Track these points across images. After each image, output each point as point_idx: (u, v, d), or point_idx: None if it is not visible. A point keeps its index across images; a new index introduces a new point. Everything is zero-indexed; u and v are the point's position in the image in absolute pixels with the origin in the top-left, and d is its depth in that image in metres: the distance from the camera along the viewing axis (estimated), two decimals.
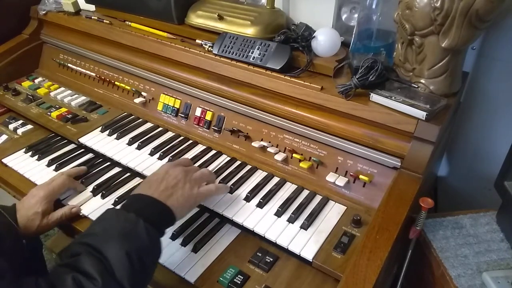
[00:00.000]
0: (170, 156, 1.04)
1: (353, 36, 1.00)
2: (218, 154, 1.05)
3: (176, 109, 1.16)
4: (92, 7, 1.37)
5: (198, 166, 1.00)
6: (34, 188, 0.92)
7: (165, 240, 0.87)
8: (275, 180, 0.97)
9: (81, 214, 0.93)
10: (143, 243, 0.68)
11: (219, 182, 0.95)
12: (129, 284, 0.64)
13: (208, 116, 1.10)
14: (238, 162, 1.02)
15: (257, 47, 1.03)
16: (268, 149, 1.00)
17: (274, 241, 0.82)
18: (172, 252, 0.84)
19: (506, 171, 0.83)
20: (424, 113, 0.81)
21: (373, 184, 0.89)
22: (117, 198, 0.96)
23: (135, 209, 0.72)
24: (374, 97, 0.88)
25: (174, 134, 1.14)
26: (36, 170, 1.06)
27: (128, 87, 1.24)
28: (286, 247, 0.81)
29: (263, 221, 0.86)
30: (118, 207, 0.75)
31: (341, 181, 0.90)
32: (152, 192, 0.77)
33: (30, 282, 0.60)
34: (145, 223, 0.70)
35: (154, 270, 0.72)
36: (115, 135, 1.13)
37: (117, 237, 0.67)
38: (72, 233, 0.96)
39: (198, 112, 1.12)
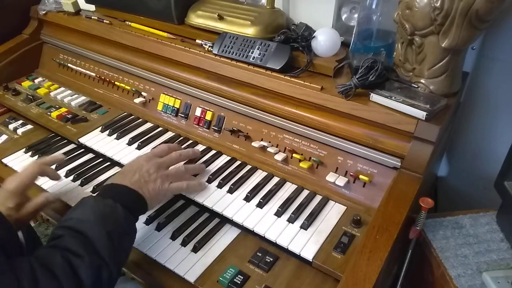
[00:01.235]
0: None
1: (353, 36, 1.00)
2: (218, 154, 1.05)
3: (176, 109, 1.16)
4: (92, 7, 1.37)
5: (194, 164, 1.00)
6: (5, 181, 0.87)
7: (165, 240, 0.87)
8: (275, 180, 0.97)
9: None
10: (121, 225, 0.73)
11: (219, 182, 0.95)
12: (111, 260, 0.68)
13: (208, 116, 1.10)
14: (238, 162, 1.02)
15: (257, 47, 1.03)
16: (268, 149, 1.00)
17: (274, 241, 0.82)
18: (172, 252, 0.84)
19: (506, 171, 0.83)
20: (424, 113, 0.81)
21: (373, 184, 0.89)
22: None
23: (112, 196, 0.77)
24: (374, 97, 0.88)
25: (174, 134, 1.14)
26: None
27: (128, 87, 1.24)
28: (286, 247, 0.81)
29: (263, 221, 0.86)
30: (93, 195, 0.79)
31: (341, 181, 0.90)
32: (126, 182, 0.81)
33: (23, 263, 0.62)
34: (123, 208, 0.75)
35: (130, 252, 0.77)
36: (115, 135, 1.13)
37: (97, 219, 0.71)
38: None
39: (198, 112, 1.12)
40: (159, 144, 1.08)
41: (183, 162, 0.98)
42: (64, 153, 1.12)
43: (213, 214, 0.92)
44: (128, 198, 0.79)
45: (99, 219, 0.71)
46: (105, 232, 0.69)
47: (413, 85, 0.91)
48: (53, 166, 1.02)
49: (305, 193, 0.93)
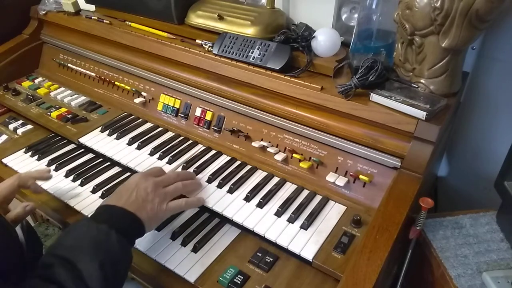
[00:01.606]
0: (170, 156, 1.04)
1: (353, 36, 1.00)
2: (218, 154, 1.05)
3: (176, 109, 1.16)
4: (92, 7, 1.37)
5: (197, 166, 1.00)
6: None
7: (165, 240, 0.87)
8: (275, 180, 0.97)
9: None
10: (115, 254, 0.69)
11: (219, 182, 0.95)
12: None
13: (208, 116, 1.10)
14: (238, 162, 1.02)
15: (257, 47, 1.03)
16: (268, 149, 1.00)
17: (274, 241, 0.82)
18: (172, 252, 0.84)
19: (506, 171, 0.83)
20: (424, 113, 0.81)
21: (373, 184, 0.89)
22: None
23: (106, 220, 0.72)
24: (374, 97, 0.88)
25: (174, 134, 1.14)
26: None
27: (128, 87, 1.24)
28: (286, 247, 0.81)
29: (263, 221, 0.86)
30: (88, 217, 0.75)
31: (341, 181, 0.90)
32: (123, 203, 0.77)
33: None
34: (117, 234, 0.70)
35: (126, 277, 0.73)
36: (115, 135, 1.13)
37: (89, 248, 0.67)
38: None
39: (198, 112, 1.12)
40: (159, 144, 1.08)
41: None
42: (64, 153, 1.12)
43: (213, 214, 0.92)
44: (124, 222, 0.75)
45: (91, 248, 0.67)
46: (97, 262, 0.65)
47: (413, 85, 0.91)
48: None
49: (305, 193, 0.93)
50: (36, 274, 0.65)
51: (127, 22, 1.28)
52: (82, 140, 1.12)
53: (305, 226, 0.84)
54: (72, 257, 0.65)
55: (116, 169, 1.07)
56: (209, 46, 1.10)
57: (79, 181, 1.01)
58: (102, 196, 0.97)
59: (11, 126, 1.23)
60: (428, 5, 0.80)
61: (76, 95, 1.31)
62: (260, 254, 0.83)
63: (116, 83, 1.27)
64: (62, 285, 0.62)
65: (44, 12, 1.40)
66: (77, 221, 0.74)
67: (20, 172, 1.06)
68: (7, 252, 0.69)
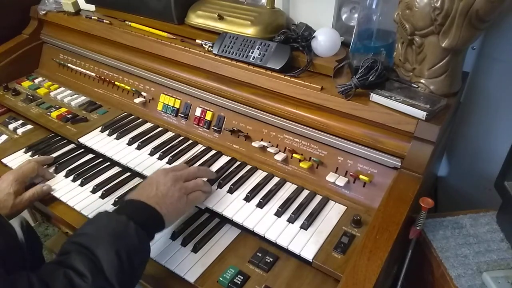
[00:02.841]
0: (170, 156, 1.04)
1: (353, 36, 1.00)
2: (218, 154, 1.05)
3: (176, 109, 1.16)
4: (92, 7, 1.37)
5: (198, 165, 1.00)
6: (4, 174, 0.97)
7: (165, 240, 0.87)
8: (275, 180, 0.97)
9: (57, 197, 0.98)
10: (132, 244, 0.70)
11: (219, 182, 0.95)
12: (117, 282, 0.65)
13: (208, 116, 1.10)
14: (238, 162, 1.02)
15: (257, 47, 1.03)
16: (268, 149, 1.00)
17: (274, 241, 0.82)
18: (172, 252, 0.84)
19: (506, 171, 0.83)
20: (424, 113, 0.81)
21: (373, 184, 0.89)
22: (116, 198, 0.96)
23: (126, 212, 0.74)
24: (374, 97, 0.88)
25: (174, 134, 1.14)
26: None
27: (128, 87, 1.24)
28: (286, 247, 0.81)
29: (263, 221, 0.86)
30: (110, 210, 0.77)
31: (341, 181, 0.90)
32: (144, 198, 0.79)
33: (22, 278, 0.61)
34: (135, 225, 0.72)
35: (143, 271, 0.74)
36: (115, 135, 1.13)
37: (107, 237, 0.69)
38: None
39: (198, 112, 1.12)
40: (159, 144, 1.08)
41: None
42: (64, 153, 1.12)
43: (213, 214, 0.92)
44: (143, 214, 0.77)
45: (109, 237, 0.69)
46: (114, 251, 0.67)
47: (413, 85, 0.91)
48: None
49: (305, 193, 0.93)
50: (53, 260, 0.68)
51: (127, 22, 1.28)
52: (82, 140, 1.12)
53: (305, 226, 0.84)
54: (90, 244, 0.67)
55: (116, 169, 1.07)
56: (209, 46, 1.10)
57: (79, 181, 1.01)
58: (102, 196, 0.97)
59: (11, 126, 1.23)
60: (428, 5, 0.80)
61: (76, 95, 1.31)
62: (260, 254, 0.83)
63: (116, 83, 1.27)
64: (77, 270, 0.64)
65: (44, 12, 1.40)
66: (98, 213, 0.76)
67: None
68: (5, 252, 0.69)
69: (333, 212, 0.88)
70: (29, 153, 1.12)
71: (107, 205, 0.95)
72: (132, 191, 0.84)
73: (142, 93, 1.22)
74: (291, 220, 0.86)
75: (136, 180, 1.03)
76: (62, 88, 1.35)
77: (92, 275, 0.63)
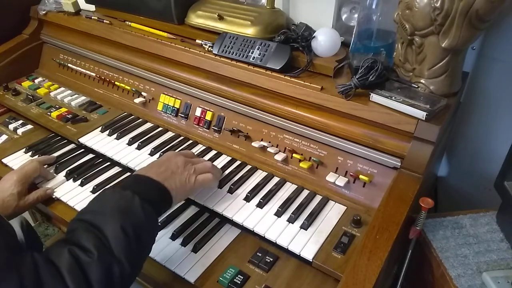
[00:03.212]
0: None
1: (353, 36, 1.00)
2: (218, 154, 1.05)
3: (176, 109, 1.16)
4: (92, 7, 1.37)
5: None
6: (7, 174, 0.97)
7: (165, 240, 0.87)
8: (275, 180, 0.97)
9: (53, 196, 0.98)
10: (138, 219, 0.70)
11: (219, 182, 0.95)
12: (125, 257, 0.65)
13: (208, 116, 1.10)
14: (238, 162, 1.02)
15: (257, 47, 1.03)
16: (268, 149, 1.00)
17: (274, 241, 0.82)
18: (172, 252, 0.84)
19: (506, 171, 0.83)
20: (424, 113, 0.81)
21: (373, 184, 0.89)
22: None
23: (132, 187, 0.74)
24: (374, 97, 0.88)
25: (174, 134, 1.14)
26: None
27: (128, 87, 1.24)
28: (286, 247, 0.81)
29: (263, 221, 0.86)
30: (114, 186, 0.77)
31: (341, 181, 0.90)
32: (152, 173, 0.79)
33: (26, 258, 0.60)
34: (140, 200, 0.71)
35: (151, 247, 0.74)
36: (115, 135, 1.13)
37: (112, 212, 0.68)
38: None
39: (198, 112, 1.12)
40: (159, 144, 1.08)
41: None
42: (64, 153, 1.12)
43: (213, 214, 0.92)
44: (149, 189, 0.76)
45: (114, 212, 0.68)
46: (119, 226, 0.66)
47: (413, 85, 0.91)
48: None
49: (305, 193, 0.93)
50: (59, 239, 0.67)
51: (127, 22, 1.28)
52: (82, 140, 1.12)
53: (305, 226, 0.84)
54: (95, 220, 0.67)
55: (116, 169, 1.07)
56: (209, 46, 1.10)
57: (79, 181, 1.01)
58: None
59: (11, 126, 1.23)
60: (428, 5, 0.80)
61: (76, 95, 1.31)
62: (260, 254, 0.83)
63: (116, 83, 1.27)
64: (82, 246, 0.63)
65: (44, 12, 1.40)
66: (104, 189, 0.76)
67: None
68: (5, 252, 0.69)
69: (333, 212, 0.88)
70: (29, 153, 1.12)
71: None
72: (140, 168, 0.84)
73: (142, 93, 1.22)
74: (291, 220, 0.86)
75: None
76: (62, 88, 1.35)
77: (98, 251, 0.63)
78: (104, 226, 0.66)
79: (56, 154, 1.11)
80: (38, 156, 1.10)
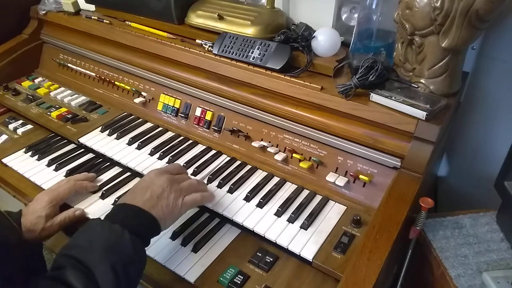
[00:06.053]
0: (170, 156, 1.04)
1: (353, 36, 1.00)
2: (218, 154, 1.05)
3: (176, 109, 1.16)
4: (92, 7, 1.37)
5: (197, 166, 1.00)
6: (40, 193, 0.92)
7: (165, 240, 0.87)
8: (275, 180, 0.97)
9: (87, 216, 0.93)
10: (128, 255, 0.68)
11: (219, 182, 0.95)
12: None
13: (208, 116, 1.10)
14: (238, 162, 1.02)
15: (257, 47, 1.03)
16: (268, 149, 1.00)
17: (274, 241, 0.82)
18: (172, 252, 0.84)
19: (506, 171, 0.83)
20: (424, 113, 0.81)
21: (373, 184, 0.89)
22: (116, 198, 0.96)
23: (120, 220, 0.71)
24: (374, 97, 0.88)
25: (174, 134, 1.14)
26: (36, 170, 1.06)
27: (128, 87, 1.24)
28: (286, 247, 0.81)
29: (263, 221, 0.86)
30: (102, 217, 0.74)
31: (341, 181, 0.90)
32: (138, 201, 0.76)
33: None
34: (130, 235, 0.69)
35: (139, 280, 0.72)
36: (115, 135, 1.13)
37: (102, 249, 0.66)
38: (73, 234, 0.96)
39: (198, 112, 1.12)
40: (159, 144, 1.08)
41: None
42: (64, 153, 1.12)
43: (213, 214, 0.92)
44: (138, 221, 0.74)
45: (104, 250, 0.66)
46: (109, 265, 0.64)
47: (413, 85, 0.91)
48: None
49: (305, 193, 0.93)
50: (49, 275, 0.65)
51: (127, 22, 1.28)
52: (82, 140, 1.12)
53: (305, 226, 0.84)
54: (85, 258, 0.65)
55: (116, 169, 1.07)
56: (209, 46, 1.10)
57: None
58: (102, 196, 0.97)
59: (11, 126, 1.23)
60: (428, 5, 0.80)
61: (76, 95, 1.31)
62: (260, 254, 0.83)
63: (116, 83, 1.27)
64: (72, 286, 0.62)
65: (44, 12, 1.40)
66: (91, 220, 0.73)
67: (19, 171, 1.06)
68: (13, 256, 0.69)
69: (333, 212, 0.88)
70: (29, 153, 1.12)
71: (107, 205, 0.95)
72: (126, 194, 0.81)
73: (142, 93, 1.22)
74: (291, 220, 0.86)
75: (136, 180, 1.03)
76: (62, 88, 1.35)
77: None
78: (93, 265, 0.64)
79: (56, 154, 1.11)
80: (38, 156, 1.09)
